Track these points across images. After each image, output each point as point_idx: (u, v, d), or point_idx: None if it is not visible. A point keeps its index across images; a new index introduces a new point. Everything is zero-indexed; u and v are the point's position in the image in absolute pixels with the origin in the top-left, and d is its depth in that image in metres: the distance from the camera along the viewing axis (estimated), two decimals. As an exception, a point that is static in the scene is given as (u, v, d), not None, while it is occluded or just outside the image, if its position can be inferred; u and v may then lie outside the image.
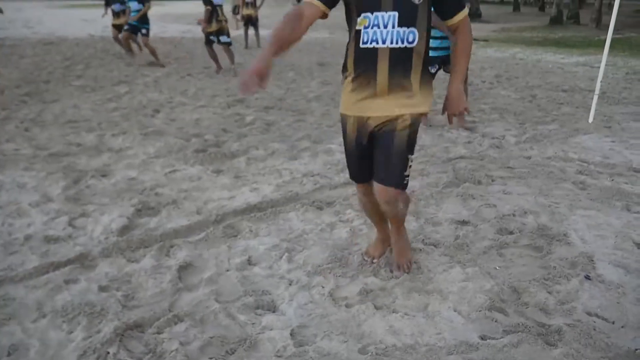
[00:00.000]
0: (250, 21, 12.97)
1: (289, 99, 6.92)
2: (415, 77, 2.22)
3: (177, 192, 3.73)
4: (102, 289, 2.51)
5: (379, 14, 2.12)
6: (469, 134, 5.24)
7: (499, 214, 3.34)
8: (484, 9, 29.80)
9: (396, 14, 2.11)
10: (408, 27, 2.13)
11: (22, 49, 12.42)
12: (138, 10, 9.70)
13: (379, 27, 2.13)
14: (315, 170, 4.19)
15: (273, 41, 2.04)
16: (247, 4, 12.81)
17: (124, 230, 3.13)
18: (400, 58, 2.17)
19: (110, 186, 3.84)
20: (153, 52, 9.82)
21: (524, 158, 4.50)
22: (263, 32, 13.65)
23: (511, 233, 3.10)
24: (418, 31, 2.14)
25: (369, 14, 2.14)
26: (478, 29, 20.66)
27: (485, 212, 3.38)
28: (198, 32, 18.54)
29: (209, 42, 9.08)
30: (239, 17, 17.73)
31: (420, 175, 4.03)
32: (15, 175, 4.00)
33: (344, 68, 2.34)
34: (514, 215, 3.33)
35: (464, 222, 3.24)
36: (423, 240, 3.00)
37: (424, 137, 5.08)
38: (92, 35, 16.06)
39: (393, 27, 2.12)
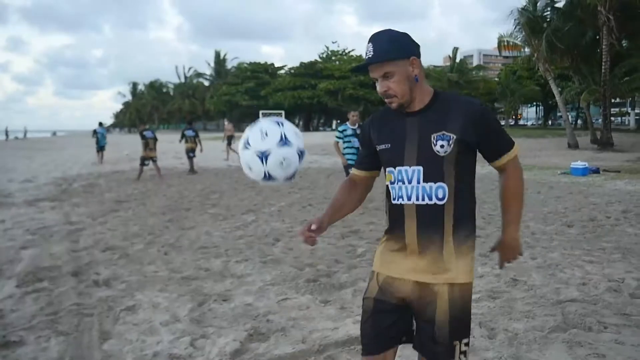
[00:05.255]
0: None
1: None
2: (448, 238, 1.97)
3: (287, 319, 4.04)
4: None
5: (402, 168, 1.99)
6: (583, 275, 5.06)
7: (608, 366, 3.20)
8: (617, 136, 28.43)
9: (421, 168, 1.96)
10: (435, 182, 1.95)
11: (170, 178, 14.21)
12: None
13: (403, 183, 1.99)
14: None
15: (329, 206, 2.17)
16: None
17: (236, 353, 3.45)
18: (429, 216, 1.96)
19: (229, 310, 4.25)
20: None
21: (643, 304, 4.25)
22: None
23: (619, 388, 2.95)
24: (448, 186, 1.95)
25: (392, 169, 2.03)
26: (609, 159, 19.87)
27: (592, 363, 3.25)
28: (324, 161, 19.91)
29: (143, 164, 13.95)
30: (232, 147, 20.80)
31: (525, 318, 3.97)
32: (152, 296, 4.59)
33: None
34: (624, 368, 3.16)
35: (567, 372, 3.15)
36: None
37: (534, 277, 5.01)
38: (230, 165, 17.92)
39: (418, 182, 1.96)
